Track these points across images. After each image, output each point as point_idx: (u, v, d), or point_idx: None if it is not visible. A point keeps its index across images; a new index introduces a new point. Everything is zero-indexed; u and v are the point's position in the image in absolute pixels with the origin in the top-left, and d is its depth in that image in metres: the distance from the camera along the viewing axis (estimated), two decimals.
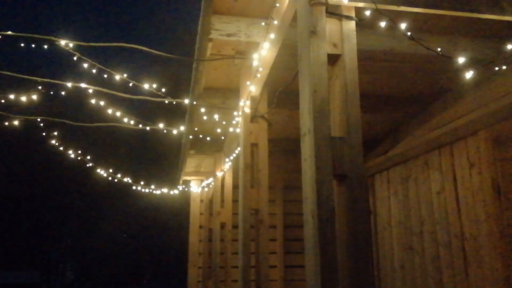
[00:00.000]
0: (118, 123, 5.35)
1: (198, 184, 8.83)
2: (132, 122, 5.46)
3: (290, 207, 8.50)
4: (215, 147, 7.03)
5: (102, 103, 5.03)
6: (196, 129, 5.91)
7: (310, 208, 2.11)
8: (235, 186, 6.24)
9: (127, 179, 8.62)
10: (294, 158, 6.20)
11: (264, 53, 3.51)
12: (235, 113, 4.62)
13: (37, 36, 4.13)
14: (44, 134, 6.16)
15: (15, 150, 22.27)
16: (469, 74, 2.87)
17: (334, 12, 2.42)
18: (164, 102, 4.59)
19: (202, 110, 4.95)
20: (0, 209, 22.79)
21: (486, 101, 4.19)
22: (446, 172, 4.52)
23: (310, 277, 2.09)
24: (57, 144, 6.44)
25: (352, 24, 2.44)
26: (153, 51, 3.99)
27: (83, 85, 4.54)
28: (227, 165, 6.62)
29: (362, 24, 2.62)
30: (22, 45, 4.25)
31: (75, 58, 4.13)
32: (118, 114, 5.30)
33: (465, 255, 4.17)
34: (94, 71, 4.28)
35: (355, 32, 2.43)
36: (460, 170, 4.32)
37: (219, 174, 7.23)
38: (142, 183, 9.05)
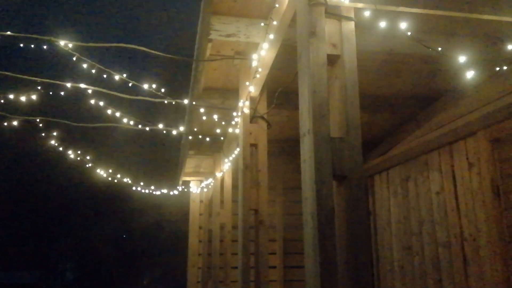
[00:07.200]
0: (117, 124, 5.35)
1: (198, 185, 8.83)
2: (131, 122, 5.46)
3: (289, 208, 8.49)
4: (214, 147, 7.03)
5: (101, 103, 5.02)
6: (195, 129, 5.91)
7: (310, 209, 2.11)
8: (234, 187, 6.24)
9: (126, 180, 8.62)
10: (293, 158, 6.19)
11: (263, 54, 3.51)
12: (235, 114, 4.62)
13: (37, 36, 4.12)
14: (43, 134, 6.14)
15: (14, 150, 22.28)
16: (469, 74, 2.86)
17: (334, 13, 2.41)
18: (163, 102, 4.59)
19: (202, 110, 4.94)
20: (0, 209, 22.79)
21: (486, 101, 4.19)
22: (446, 172, 4.52)
23: (310, 278, 2.08)
24: (56, 144, 6.43)
25: (351, 25, 2.44)
26: (153, 51, 3.99)
27: (82, 85, 4.53)
28: (227, 165, 6.62)
29: (362, 25, 2.61)
30: (22, 45, 4.24)
31: (74, 59, 4.13)
32: (117, 114, 5.29)
33: (464, 255, 4.17)
34: (93, 71, 4.27)
35: (354, 33, 2.43)
36: (460, 170, 4.32)
37: (219, 174, 7.22)
38: (141, 183, 9.05)
